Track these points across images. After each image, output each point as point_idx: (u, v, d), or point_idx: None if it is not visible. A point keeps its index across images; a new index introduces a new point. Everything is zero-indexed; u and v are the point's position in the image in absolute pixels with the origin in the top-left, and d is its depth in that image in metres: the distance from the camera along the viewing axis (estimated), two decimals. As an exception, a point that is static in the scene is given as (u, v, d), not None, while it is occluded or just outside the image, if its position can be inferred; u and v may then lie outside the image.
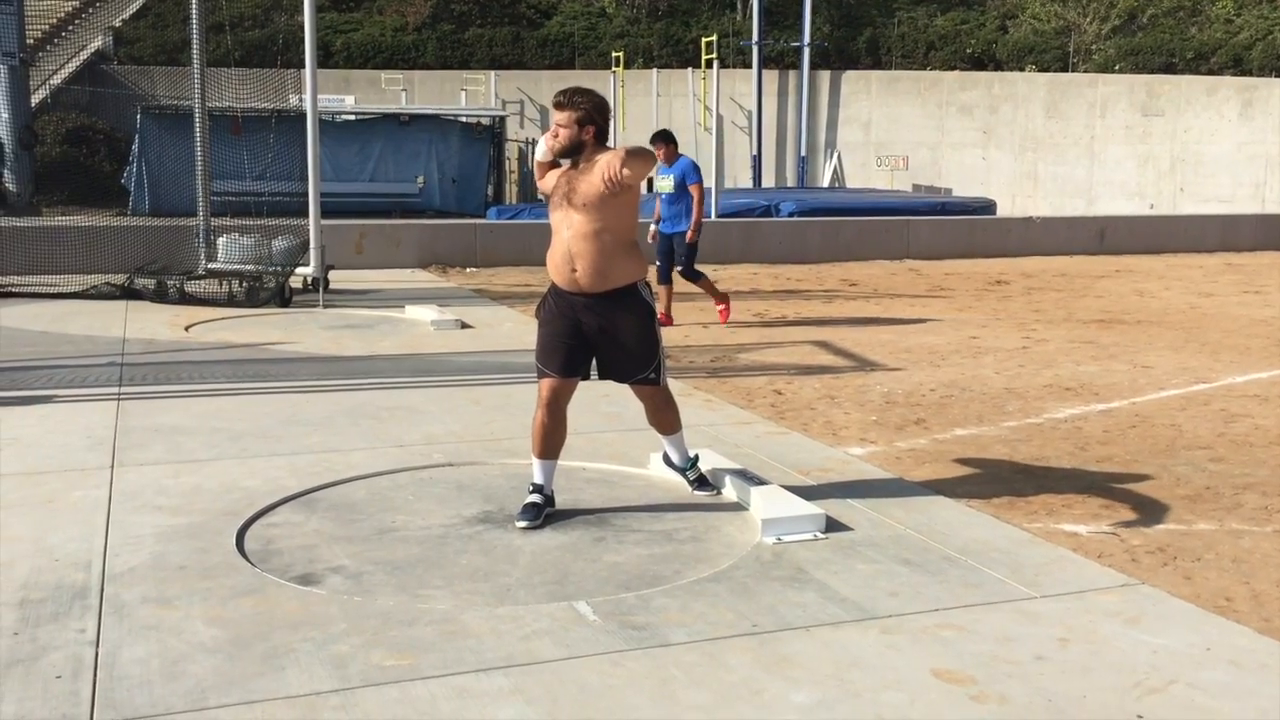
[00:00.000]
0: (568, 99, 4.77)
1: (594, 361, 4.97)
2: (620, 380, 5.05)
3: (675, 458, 5.31)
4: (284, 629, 3.71)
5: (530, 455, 4.99)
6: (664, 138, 10.22)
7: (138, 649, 3.55)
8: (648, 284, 4.97)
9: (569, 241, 4.76)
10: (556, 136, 4.78)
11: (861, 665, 3.52)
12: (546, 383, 4.87)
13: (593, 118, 4.75)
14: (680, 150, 10.48)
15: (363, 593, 4.06)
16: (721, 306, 10.59)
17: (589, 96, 4.80)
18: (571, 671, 3.44)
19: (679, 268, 10.43)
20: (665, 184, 10.34)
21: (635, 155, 4.63)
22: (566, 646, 3.62)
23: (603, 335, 4.87)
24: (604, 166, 4.61)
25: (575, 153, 4.79)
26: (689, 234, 10.23)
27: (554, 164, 4.93)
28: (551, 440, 4.91)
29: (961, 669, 3.50)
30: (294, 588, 4.08)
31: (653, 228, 10.56)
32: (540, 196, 5.09)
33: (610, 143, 5.02)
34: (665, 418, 5.17)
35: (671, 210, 10.36)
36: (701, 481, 5.27)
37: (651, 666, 3.49)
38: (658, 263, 10.28)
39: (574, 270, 4.78)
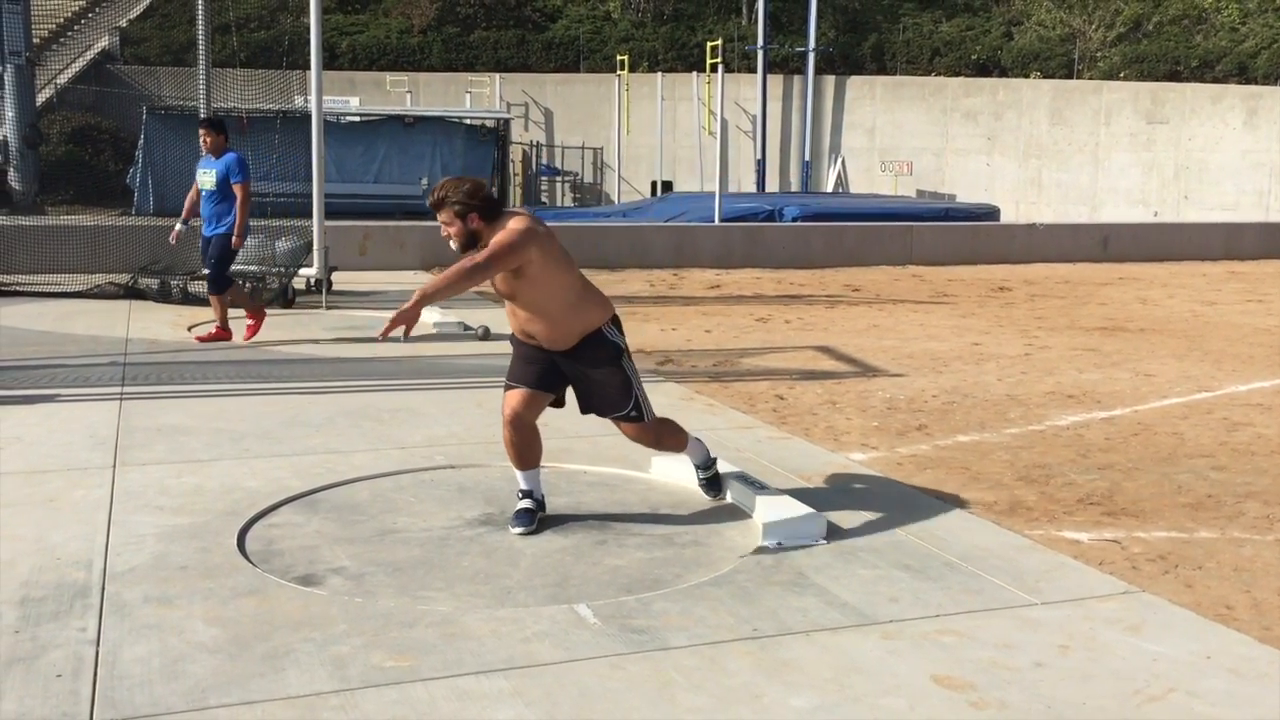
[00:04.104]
0: (437, 200, 4.51)
1: (568, 391, 4.88)
2: (601, 415, 4.95)
3: (695, 460, 5.20)
4: (285, 629, 3.72)
5: None
6: (210, 125, 9.14)
7: (138, 648, 3.56)
8: (615, 322, 4.81)
9: (524, 322, 4.68)
10: (448, 239, 4.56)
11: (861, 670, 3.52)
12: (510, 394, 4.75)
13: (469, 206, 4.48)
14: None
15: (364, 594, 4.06)
16: (251, 322, 9.29)
17: (455, 187, 4.51)
18: (571, 674, 3.45)
19: (209, 273, 9.23)
20: (207, 179, 9.03)
21: (492, 248, 4.42)
22: (566, 649, 3.62)
23: (577, 373, 4.80)
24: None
25: (475, 243, 4.54)
26: (234, 239, 8.97)
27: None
28: (526, 454, 4.81)
29: (961, 675, 3.50)
30: (295, 588, 4.09)
31: (178, 227, 9.46)
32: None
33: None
34: (668, 445, 5.08)
35: (212, 210, 9.05)
36: (710, 484, 5.21)
37: (651, 670, 3.49)
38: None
39: (533, 338, 4.72)
